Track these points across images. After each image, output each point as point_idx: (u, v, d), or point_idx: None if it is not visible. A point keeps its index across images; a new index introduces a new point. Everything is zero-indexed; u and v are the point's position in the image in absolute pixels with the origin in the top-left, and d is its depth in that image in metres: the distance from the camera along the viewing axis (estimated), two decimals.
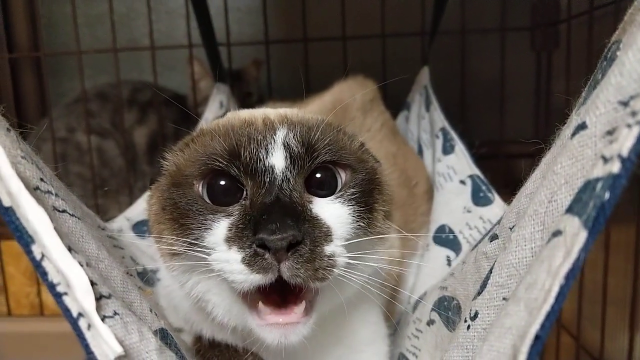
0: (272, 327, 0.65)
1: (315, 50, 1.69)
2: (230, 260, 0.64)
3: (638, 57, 0.45)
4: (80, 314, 0.51)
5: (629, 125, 0.42)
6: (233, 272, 0.63)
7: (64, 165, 1.76)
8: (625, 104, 0.46)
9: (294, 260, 0.62)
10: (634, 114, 0.42)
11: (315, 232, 0.65)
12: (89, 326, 0.51)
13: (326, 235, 0.65)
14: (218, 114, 1.46)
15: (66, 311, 0.51)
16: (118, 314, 0.57)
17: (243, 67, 1.99)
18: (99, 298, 0.55)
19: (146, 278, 0.93)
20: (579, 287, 1.27)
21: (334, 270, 0.65)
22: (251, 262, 0.62)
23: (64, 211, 0.63)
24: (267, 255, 0.61)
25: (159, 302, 0.89)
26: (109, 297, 0.57)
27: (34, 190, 0.58)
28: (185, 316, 0.85)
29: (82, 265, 0.54)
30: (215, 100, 1.52)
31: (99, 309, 0.53)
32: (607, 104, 0.47)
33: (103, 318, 0.54)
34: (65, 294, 0.51)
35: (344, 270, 0.66)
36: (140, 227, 1.16)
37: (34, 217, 0.52)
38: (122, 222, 1.16)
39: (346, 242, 0.68)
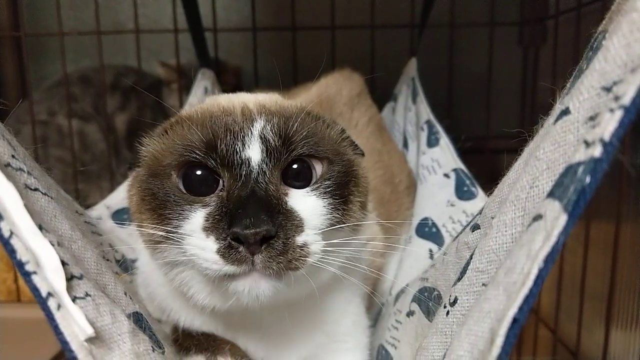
0: (245, 279, 0.65)
1: (303, 40, 1.68)
2: (206, 249, 0.64)
3: (623, 42, 0.45)
4: (49, 294, 0.50)
5: (611, 110, 0.42)
6: (207, 261, 0.64)
7: (44, 149, 1.73)
8: (608, 89, 0.45)
9: (267, 253, 0.63)
10: (617, 98, 0.42)
11: (288, 224, 0.65)
12: (59, 306, 0.50)
13: (297, 226, 0.66)
14: (202, 100, 1.44)
15: (35, 290, 0.49)
16: (90, 296, 0.55)
17: (224, 67, 1.96)
18: (70, 278, 0.53)
19: (123, 265, 0.91)
20: (558, 282, 1.29)
21: (308, 259, 0.66)
22: (226, 254, 0.63)
23: (36, 189, 0.61)
24: (241, 249, 0.62)
25: (137, 292, 0.88)
26: (80, 277, 0.55)
27: (4, 166, 0.57)
28: (162, 304, 0.84)
29: (53, 245, 0.52)
30: (199, 86, 1.50)
31: (69, 289, 0.52)
32: (591, 90, 0.47)
33: (74, 299, 0.52)
34: (35, 272, 0.50)
35: (319, 258, 0.67)
36: (120, 216, 1.13)
37: (3, 193, 0.50)
38: (101, 210, 1.14)
39: (319, 231, 0.68)
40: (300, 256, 0.65)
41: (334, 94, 1.26)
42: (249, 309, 0.69)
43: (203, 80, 1.52)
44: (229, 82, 1.93)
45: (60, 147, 1.77)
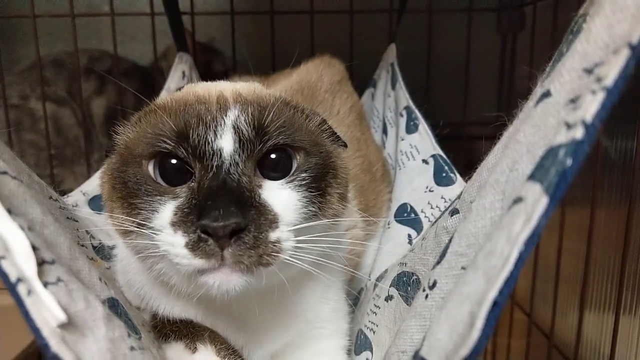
0: (216, 273, 0.64)
1: (282, 24, 1.65)
2: (175, 244, 0.63)
3: (605, 23, 0.44)
4: (19, 279, 0.48)
5: (593, 92, 0.41)
6: (178, 256, 0.63)
7: (16, 133, 1.68)
8: (590, 71, 0.45)
9: (237, 247, 0.61)
10: (599, 80, 0.42)
11: (260, 218, 0.64)
12: (29, 292, 0.48)
13: (272, 221, 0.65)
14: (180, 85, 1.41)
15: (3, 276, 0.48)
16: (62, 281, 0.54)
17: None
18: (41, 263, 0.51)
19: (100, 251, 0.89)
20: (533, 267, 1.31)
21: (280, 255, 0.65)
22: (195, 247, 0.61)
23: (4, 173, 0.59)
24: (210, 242, 0.61)
25: (115, 278, 0.86)
26: (52, 262, 0.54)
27: None
28: (140, 291, 0.83)
29: (23, 229, 0.51)
30: (177, 70, 1.47)
31: (40, 274, 0.50)
32: (572, 72, 0.47)
33: (45, 284, 0.51)
34: (3, 257, 0.48)
35: (291, 254, 0.66)
36: (97, 202, 1.11)
37: None
38: (78, 197, 1.11)
39: (294, 227, 0.67)
40: (273, 252, 0.64)
41: (315, 80, 1.24)
42: (224, 300, 0.68)
43: (181, 65, 1.48)
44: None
45: (33, 132, 1.72)
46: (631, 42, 0.43)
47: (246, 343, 0.83)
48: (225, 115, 0.68)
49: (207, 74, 1.80)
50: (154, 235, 0.65)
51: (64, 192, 1.07)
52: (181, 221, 0.63)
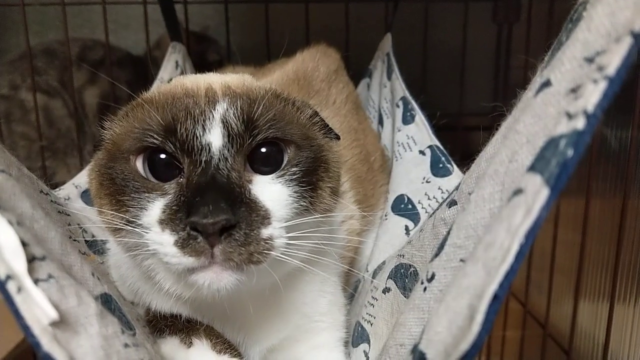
0: (205, 271, 0.63)
1: (276, 13, 1.64)
2: (164, 243, 0.62)
3: (607, 11, 0.44)
4: (8, 277, 0.46)
5: (595, 81, 0.41)
6: (167, 255, 0.62)
7: (7, 124, 1.66)
8: (591, 60, 0.44)
9: (227, 244, 0.60)
10: (600, 68, 0.41)
11: (252, 215, 0.62)
12: (19, 289, 0.46)
13: (264, 218, 0.63)
14: (173, 75, 1.40)
15: None
16: (53, 277, 0.52)
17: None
18: (31, 260, 0.50)
19: (94, 245, 0.88)
20: (529, 256, 1.31)
21: (271, 252, 0.63)
22: (184, 245, 0.60)
23: None
24: (199, 239, 0.60)
25: (109, 273, 0.85)
26: (43, 259, 0.52)
27: None
28: (133, 286, 0.82)
29: (12, 224, 0.49)
30: (170, 60, 1.45)
31: (31, 271, 0.49)
32: (573, 61, 0.46)
33: (36, 281, 0.49)
34: None
35: (283, 251, 0.65)
36: (89, 195, 1.10)
37: None
38: (70, 189, 1.09)
39: (286, 224, 0.66)
40: (264, 249, 0.62)
41: (311, 70, 1.23)
42: (215, 299, 0.67)
43: (174, 54, 1.46)
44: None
45: (24, 123, 1.70)
46: (634, 29, 0.42)
47: (243, 339, 0.82)
48: (214, 109, 0.67)
49: (201, 63, 1.78)
50: (143, 233, 0.64)
51: (56, 185, 1.06)
52: (169, 219, 0.62)
